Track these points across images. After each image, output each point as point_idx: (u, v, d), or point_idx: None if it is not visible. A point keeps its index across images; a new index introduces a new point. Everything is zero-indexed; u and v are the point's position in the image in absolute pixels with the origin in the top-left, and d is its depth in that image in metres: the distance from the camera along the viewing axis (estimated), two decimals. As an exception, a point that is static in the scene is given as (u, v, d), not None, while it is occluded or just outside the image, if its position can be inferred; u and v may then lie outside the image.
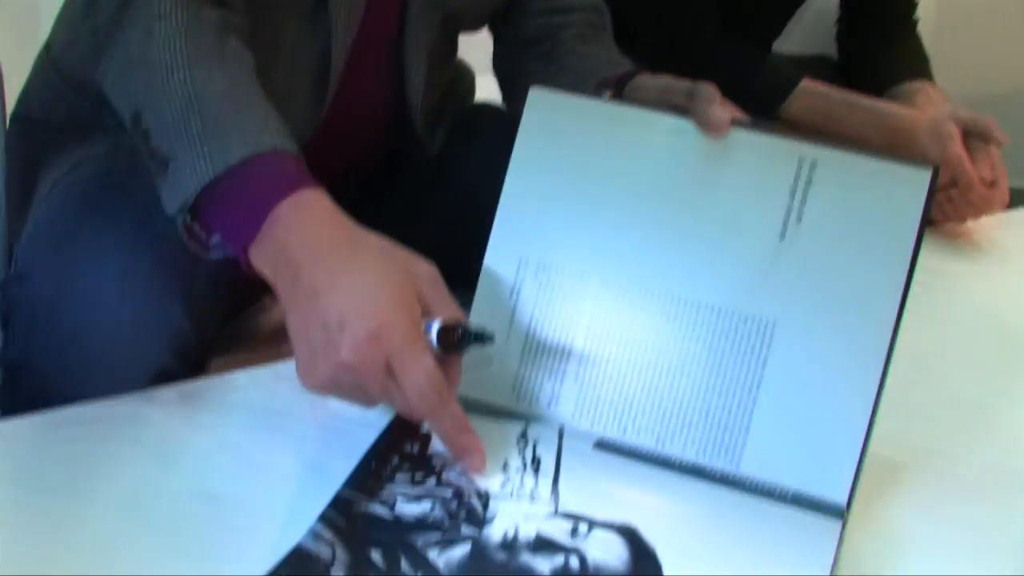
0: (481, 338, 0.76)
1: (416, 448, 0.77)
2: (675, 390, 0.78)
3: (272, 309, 1.03)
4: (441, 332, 0.73)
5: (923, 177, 0.77)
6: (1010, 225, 1.23)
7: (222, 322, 0.94)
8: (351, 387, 0.73)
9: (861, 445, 0.74)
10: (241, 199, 0.76)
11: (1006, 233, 1.20)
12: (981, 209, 1.19)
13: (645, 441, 0.78)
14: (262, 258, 0.75)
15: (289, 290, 0.74)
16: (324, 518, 0.72)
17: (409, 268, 0.75)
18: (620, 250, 0.81)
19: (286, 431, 0.80)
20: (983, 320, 1.04)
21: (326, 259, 0.73)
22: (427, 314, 0.74)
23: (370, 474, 0.75)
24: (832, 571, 0.69)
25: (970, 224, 1.20)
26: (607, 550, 0.70)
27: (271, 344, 0.86)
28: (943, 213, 1.19)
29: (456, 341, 0.74)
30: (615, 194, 0.81)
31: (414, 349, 0.71)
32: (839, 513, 0.73)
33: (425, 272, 0.75)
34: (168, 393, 0.83)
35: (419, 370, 0.71)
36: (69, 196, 0.92)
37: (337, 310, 0.71)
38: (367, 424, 0.79)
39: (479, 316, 0.82)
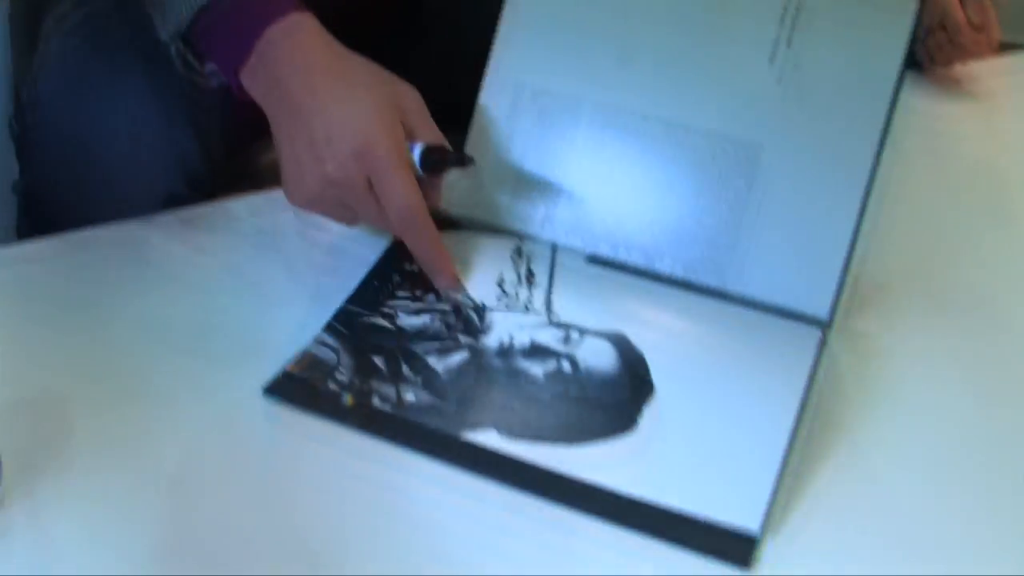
0: (462, 161, 0.79)
1: (416, 267, 0.80)
2: (665, 211, 0.81)
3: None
4: (423, 154, 0.76)
5: (909, 6, 0.79)
6: (999, 73, 1.24)
7: (231, 152, 0.97)
8: (334, 203, 0.76)
9: (843, 262, 0.77)
10: (232, 24, 0.78)
11: (995, 80, 1.21)
12: (969, 53, 1.20)
13: (636, 259, 0.81)
14: (253, 82, 0.78)
15: (278, 110, 0.76)
16: (329, 327, 0.75)
17: (395, 91, 0.77)
18: (614, 75, 0.83)
19: (288, 253, 0.84)
20: (967, 157, 1.07)
21: (315, 79, 0.76)
22: (410, 137, 0.76)
23: (372, 291, 0.78)
24: (811, 377, 0.72)
25: (959, 68, 1.21)
26: (598, 355, 0.73)
27: (278, 180, 0.89)
28: (931, 57, 1.20)
29: (438, 163, 0.77)
30: (609, 20, 0.83)
31: (396, 168, 0.74)
32: (821, 326, 0.76)
33: (410, 96, 0.78)
34: (175, 218, 0.87)
35: (400, 189, 0.74)
36: (79, 26, 0.93)
37: (324, 127, 0.74)
38: (367, 245, 0.82)
39: (476, 139, 0.84)
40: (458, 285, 0.78)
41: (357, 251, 0.82)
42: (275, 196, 0.83)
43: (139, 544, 0.62)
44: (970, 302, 0.85)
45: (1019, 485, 0.69)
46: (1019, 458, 0.71)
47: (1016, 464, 0.71)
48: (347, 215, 0.78)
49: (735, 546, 0.63)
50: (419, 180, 0.76)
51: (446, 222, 0.82)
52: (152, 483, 0.65)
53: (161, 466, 0.67)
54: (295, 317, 0.77)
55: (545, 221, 0.83)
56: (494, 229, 0.83)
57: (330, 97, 0.75)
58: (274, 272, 0.82)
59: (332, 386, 0.71)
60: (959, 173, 1.04)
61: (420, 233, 0.76)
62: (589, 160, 0.83)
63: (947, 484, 0.69)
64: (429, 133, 0.77)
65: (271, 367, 0.72)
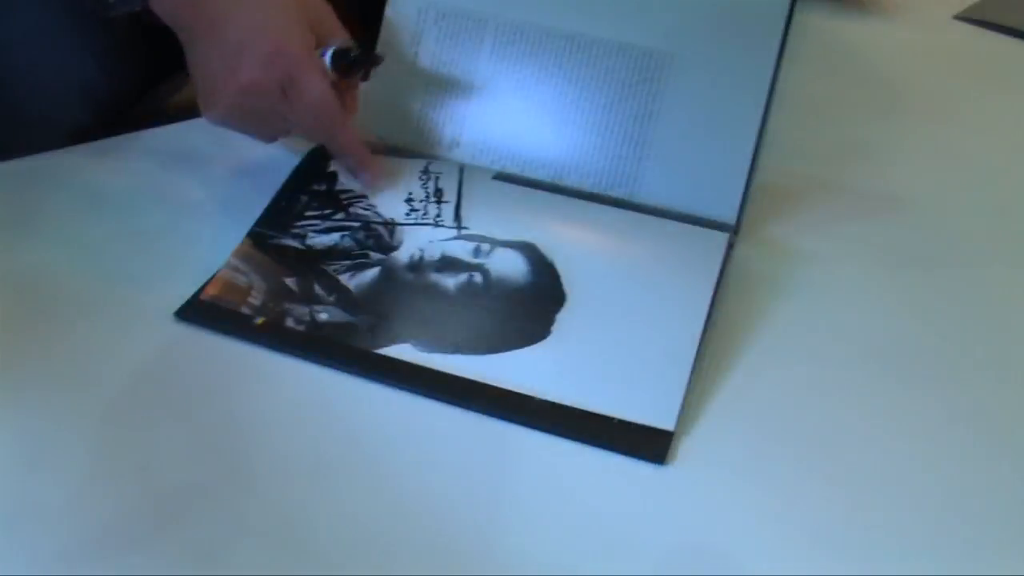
0: (374, 60, 0.79)
1: (324, 186, 0.79)
2: (573, 126, 0.81)
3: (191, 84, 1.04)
4: (334, 56, 0.76)
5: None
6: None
7: (140, 86, 0.96)
8: (250, 115, 0.76)
9: (748, 168, 0.78)
10: None
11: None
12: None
13: (544, 175, 0.81)
14: (162, 3, 0.76)
15: (189, 25, 0.76)
16: (238, 251, 0.75)
17: (303, 1, 0.77)
18: (515, -8, 0.83)
19: (202, 174, 0.84)
20: (859, 65, 1.09)
21: None
22: (320, 43, 0.76)
23: (280, 211, 0.78)
24: (719, 280, 0.73)
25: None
26: (509, 265, 0.74)
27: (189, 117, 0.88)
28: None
29: (349, 64, 0.77)
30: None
31: (308, 70, 0.74)
32: (728, 231, 0.77)
33: (318, 3, 0.77)
34: (88, 148, 0.86)
35: (313, 89, 0.74)
36: None
37: (236, 35, 0.73)
38: (279, 164, 0.82)
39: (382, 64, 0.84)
40: (380, 181, 0.79)
41: (272, 173, 0.81)
42: (190, 124, 0.84)
43: (67, 464, 0.62)
44: (869, 203, 0.87)
45: (926, 376, 0.71)
46: (926, 349, 0.73)
47: (923, 356, 0.72)
48: (264, 128, 0.78)
49: (651, 443, 0.64)
50: (334, 85, 0.76)
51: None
52: (76, 401, 0.65)
53: (85, 386, 0.66)
54: (213, 237, 0.77)
55: (452, 143, 0.83)
56: (403, 153, 0.83)
57: (240, 7, 0.75)
58: (191, 194, 0.82)
59: (245, 310, 0.71)
60: (852, 81, 1.06)
61: (337, 130, 0.77)
62: (495, 79, 0.83)
63: (853, 377, 0.70)
64: (339, 37, 0.77)
65: (191, 286, 0.72)
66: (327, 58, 0.76)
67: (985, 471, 0.65)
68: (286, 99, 0.74)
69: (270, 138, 0.80)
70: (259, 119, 0.77)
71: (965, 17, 1.20)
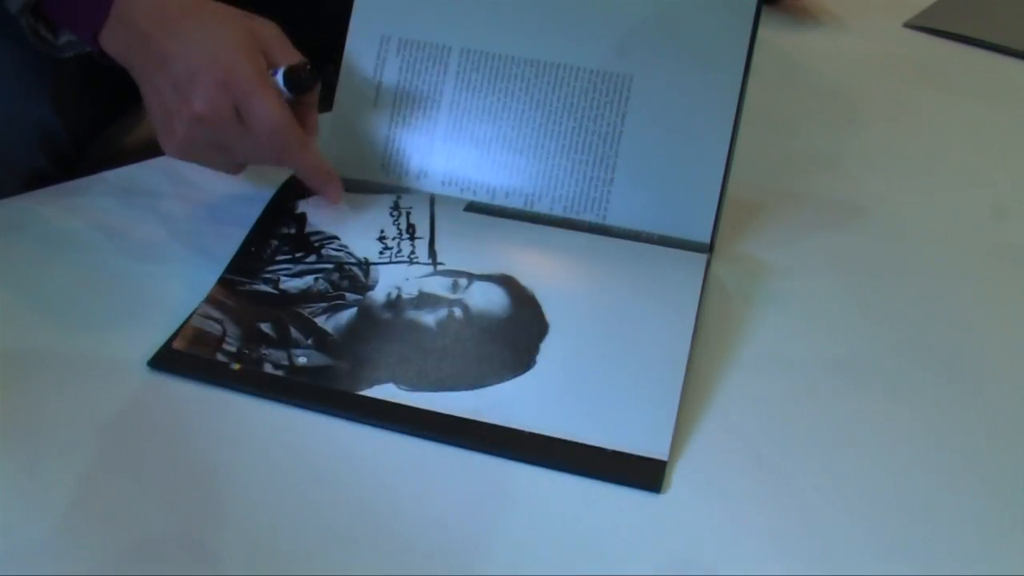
0: (326, 73, 0.78)
1: (293, 228, 0.78)
2: (540, 152, 0.81)
3: (148, 120, 1.02)
4: (287, 74, 0.75)
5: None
6: None
7: (96, 125, 0.94)
8: (209, 145, 0.75)
9: (720, 186, 0.78)
10: None
11: (840, 5, 1.24)
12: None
13: (515, 202, 0.81)
14: (113, 41, 0.76)
15: (141, 63, 0.75)
16: (210, 299, 0.73)
17: (253, 24, 0.76)
18: (478, 19, 0.82)
19: (165, 215, 0.82)
20: (821, 79, 1.09)
21: (173, 26, 0.74)
22: (272, 65, 0.75)
23: (250, 257, 0.76)
24: (700, 301, 0.73)
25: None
26: (488, 298, 0.73)
27: (148, 154, 0.87)
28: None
29: (302, 80, 0.76)
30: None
31: (260, 91, 0.73)
32: (704, 250, 0.77)
33: (268, 27, 0.77)
34: (47, 192, 0.84)
35: (267, 109, 0.73)
36: None
37: (185, 67, 0.73)
38: (244, 202, 0.81)
39: (344, 97, 0.83)
40: (342, 200, 0.79)
41: (237, 211, 0.80)
42: (151, 163, 0.83)
43: (42, 516, 0.60)
44: (833, 214, 0.87)
45: (908, 385, 0.71)
46: (907, 359, 0.73)
47: (904, 365, 0.72)
48: (224, 159, 0.77)
49: (645, 472, 0.63)
50: (292, 106, 0.75)
51: (320, 183, 0.81)
52: (49, 457, 0.63)
53: (57, 442, 0.64)
54: (180, 279, 0.76)
55: (420, 174, 0.82)
56: (370, 188, 0.82)
57: (189, 38, 0.74)
58: (155, 235, 0.80)
59: (221, 357, 0.69)
60: (808, 93, 1.07)
61: (296, 149, 0.76)
62: (460, 107, 0.82)
63: (836, 391, 0.70)
64: (291, 57, 0.76)
65: (162, 332, 0.71)
66: (279, 77, 0.75)
67: (976, 483, 0.64)
68: (241, 123, 0.73)
69: (232, 169, 0.78)
70: (218, 148, 0.75)
71: (915, 25, 1.21)
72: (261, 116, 0.73)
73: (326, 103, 0.82)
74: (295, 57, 0.76)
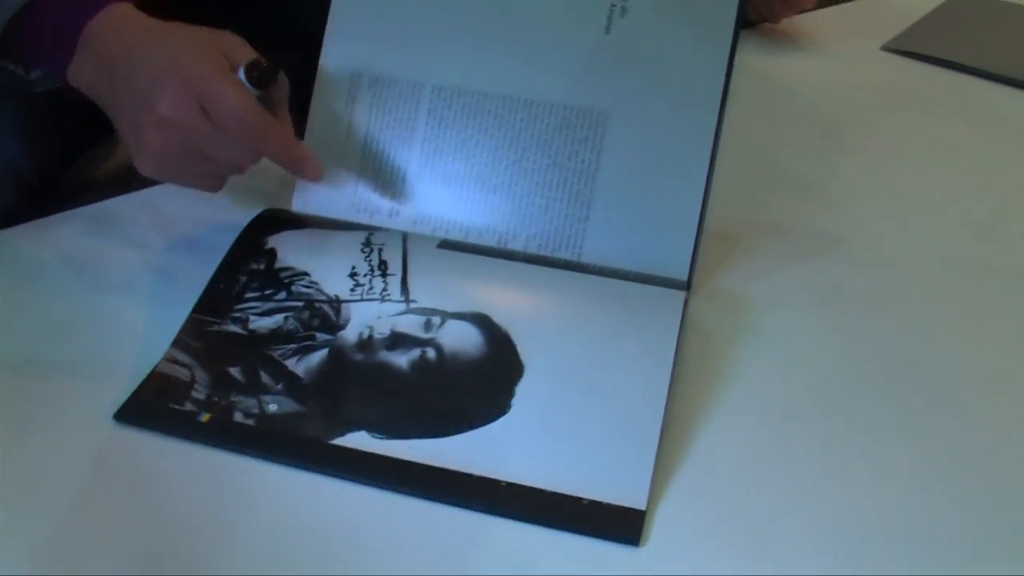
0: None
1: (263, 264, 0.76)
2: (514, 189, 0.79)
3: (118, 150, 1.01)
4: (248, 69, 0.74)
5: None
6: (821, 21, 1.27)
7: (64, 161, 0.93)
8: (183, 154, 0.74)
9: (697, 221, 0.77)
10: (50, 25, 0.75)
11: (818, 29, 1.24)
12: (795, 8, 1.23)
13: (488, 241, 0.79)
14: (80, 73, 0.76)
15: (108, 88, 0.74)
16: (177, 341, 0.71)
17: (213, 34, 0.76)
18: (450, 56, 0.81)
19: (134, 253, 0.81)
20: (802, 105, 1.08)
21: (137, 49, 0.74)
22: (234, 69, 0.74)
23: (218, 295, 0.75)
24: (679, 341, 0.71)
25: (786, 23, 1.24)
26: (462, 338, 0.71)
27: (120, 188, 0.85)
28: (759, 13, 1.22)
29: (264, 74, 0.74)
30: (441, 1, 0.81)
31: (221, 83, 0.72)
32: (682, 287, 0.76)
33: (229, 36, 0.76)
34: (13, 232, 0.82)
35: (231, 98, 0.72)
36: None
37: (147, 78, 0.72)
38: (214, 237, 0.79)
39: (315, 134, 0.82)
40: (320, 174, 0.78)
41: (208, 247, 0.78)
42: (120, 200, 0.82)
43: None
44: (813, 245, 0.86)
45: (893, 422, 0.70)
46: (891, 396, 0.72)
47: (888, 402, 0.71)
48: (200, 168, 0.76)
49: (624, 524, 0.61)
50: (261, 102, 0.74)
51: (292, 222, 0.79)
52: (11, 519, 0.61)
53: (17, 504, 0.62)
54: (149, 322, 0.74)
55: (392, 212, 0.81)
56: (342, 225, 0.80)
57: (151, 54, 0.73)
58: (122, 275, 0.78)
59: (189, 406, 0.67)
60: (787, 118, 1.06)
61: (268, 133, 0.74)
62: (432, 144, 0.80)
63: (816, 429, 0.69)
64: (250, 56, 0.76)
65: (128, 380, 0.69)
66: (241, 74, 0.74)
67: (965, 521, 0.63)
68: (209, 120, 0.72)
69: (213, 183, 0.77)
70: (192, 156, 0.74)
71: (892, 48, 1.21)
72: (227, 107, 0.72)
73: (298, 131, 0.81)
74: (253, 54, 0.75)
